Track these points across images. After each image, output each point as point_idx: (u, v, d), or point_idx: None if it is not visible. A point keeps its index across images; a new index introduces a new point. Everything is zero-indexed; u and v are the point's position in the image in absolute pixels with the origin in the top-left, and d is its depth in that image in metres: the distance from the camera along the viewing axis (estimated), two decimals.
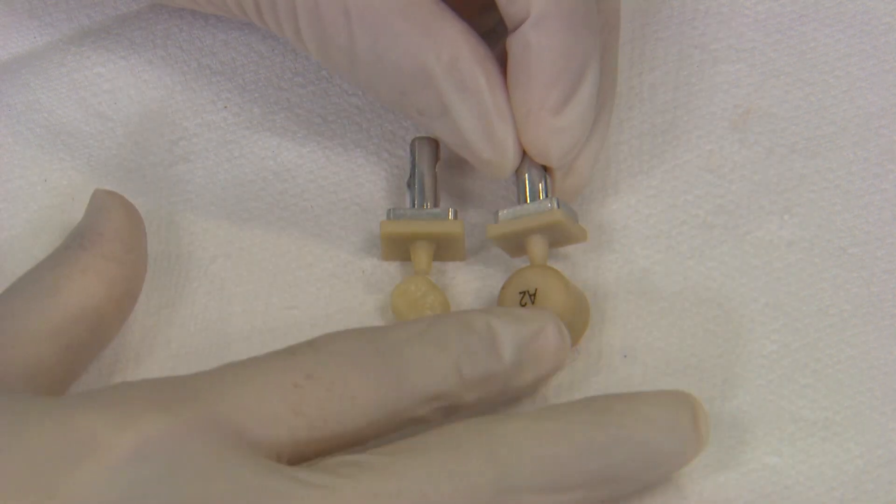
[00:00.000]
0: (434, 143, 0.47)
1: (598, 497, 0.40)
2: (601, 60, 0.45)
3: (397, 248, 0.46)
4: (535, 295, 0.44)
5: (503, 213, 0.45)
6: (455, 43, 0.43)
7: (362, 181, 0.49)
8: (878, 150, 0.48)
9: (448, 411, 0.41)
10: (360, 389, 0.39)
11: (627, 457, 0.40)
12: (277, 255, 0.48)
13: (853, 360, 0.45)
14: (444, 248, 0.46)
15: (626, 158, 0.48)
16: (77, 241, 0.43)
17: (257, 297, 0.47)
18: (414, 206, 0.46)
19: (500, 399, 0.42)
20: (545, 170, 0.45)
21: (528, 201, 0.45)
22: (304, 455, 0.39)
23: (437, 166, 0.47)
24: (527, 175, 0.45)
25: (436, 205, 0.46)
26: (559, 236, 0.46)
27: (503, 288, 0.45)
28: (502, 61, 0.45)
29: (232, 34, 0.51)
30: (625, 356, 0.45)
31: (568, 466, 0.39)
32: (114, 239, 0.44)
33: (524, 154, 0.45)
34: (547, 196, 0.45)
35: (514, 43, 0.44)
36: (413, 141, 0.47)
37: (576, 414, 0.40)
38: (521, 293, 0.44)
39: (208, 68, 0.51)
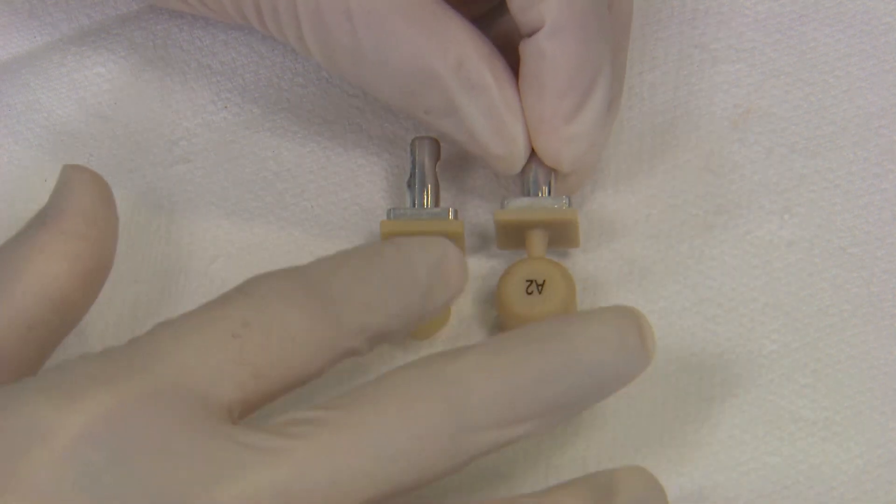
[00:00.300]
0: (435, 143, 0.47)
1: (551, 423, 0.40)
2: (612, 64, 0.45)
3: None
4: (542, 285, 0.44)
5: (512, 202, 0.45)
6: (460, 41, 0.43)
7: (362, 181, 0.49)
8: (878, 150, 0.48)
9: (375, 341, 0.41)
10: (298, 330, 0.39)
11: (580, 380, 0.39)
12: (277, 255, 0.47)
13: (853, 360, 0.45)
14: None
15: (626, 158, 0.48)
16: (38, 220, 0.42)
17: None
18: (414, 205, 0.46)
19: (417, 325, 0.42)
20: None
21: (527, 197, 0.45)
22: (255, 405, 0.39)
23: (437, 166, 0.47)
24: (532, 173, 0.45)
25: (436, 205, 0.46)
26: (559, 236, 0.46)
27: (505, 275, 0.45)
28: (500, 48, 0.45)
29: (232, 34, 0.51)
30: None
31: (522, 398, 0.39)
32: (75, 214, 0.42)
33: (532, 150, 0.45)
34: (550, 193, 0.45)
35: (527, 50, 0.44)
36: (413, 141, 0.47)
37: (526, 343, 0.40)
38: (528, 281, 0.44)
39: (208, 68, 0.51)
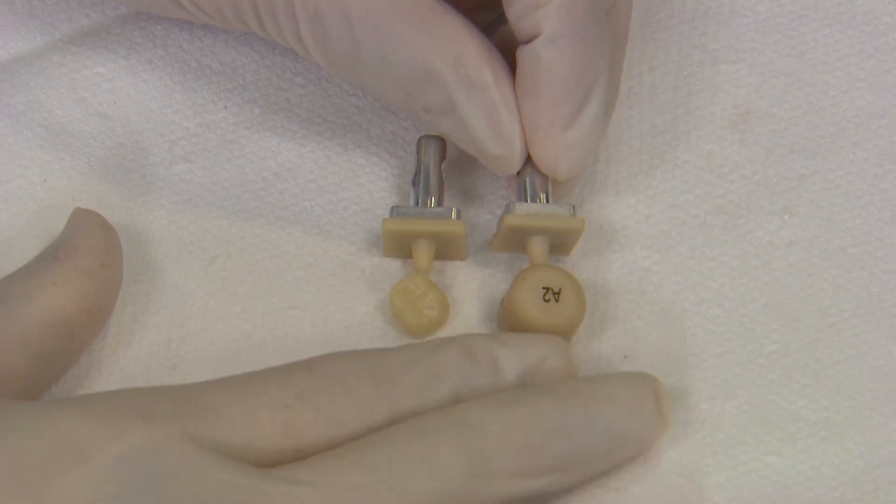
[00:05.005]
0: (441, 142, 0.47)
1: (567, 480, 0.41)
2: (609, 71, 0.45)
3: (399, 245, 0.46)
4: (559, 293, 0.44)
5: (519, 207, 0.45)
6: (459, 40, 0.43)
7: (362, 181, 0.49)
8: (878, 150, 0.48)
9: None
10: (349, 414, 0.40)
11: (595, 439, 0.40)
12: (277, 255, 0.47)
13: (853, 360, 0.45)
14: (445, 248, 0.46)
15: (626, 158, 0.48)
16: (51, 254, 0.43)
17: (257, 297, 0.47)
18: (418, 204, 0.46)
19: None
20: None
21: (529, 202, 0.45)
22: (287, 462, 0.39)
23: (442, 165, 0.47)
24: (529, 176, 0.45)
25: (440, 204, 0.46)
26: (557, 243, 0.46)
27: (518, 281, 0.44)
28: (502, 52, 0.45)
29: (232, 34, 0.51)
30: (625, 356, 0.45)
31: (538, 451, 0.40)
32: (88, 253, 0.44)
33: (528, 155, 0.45)
34: (548, 199, 0.45)
35: (524, 57, 0.44)
36: (420, 139, 0.47)
37: (544, 398, 0.40)
38: (544, 288, 0.44)
39: (208, 68, 0.51)
